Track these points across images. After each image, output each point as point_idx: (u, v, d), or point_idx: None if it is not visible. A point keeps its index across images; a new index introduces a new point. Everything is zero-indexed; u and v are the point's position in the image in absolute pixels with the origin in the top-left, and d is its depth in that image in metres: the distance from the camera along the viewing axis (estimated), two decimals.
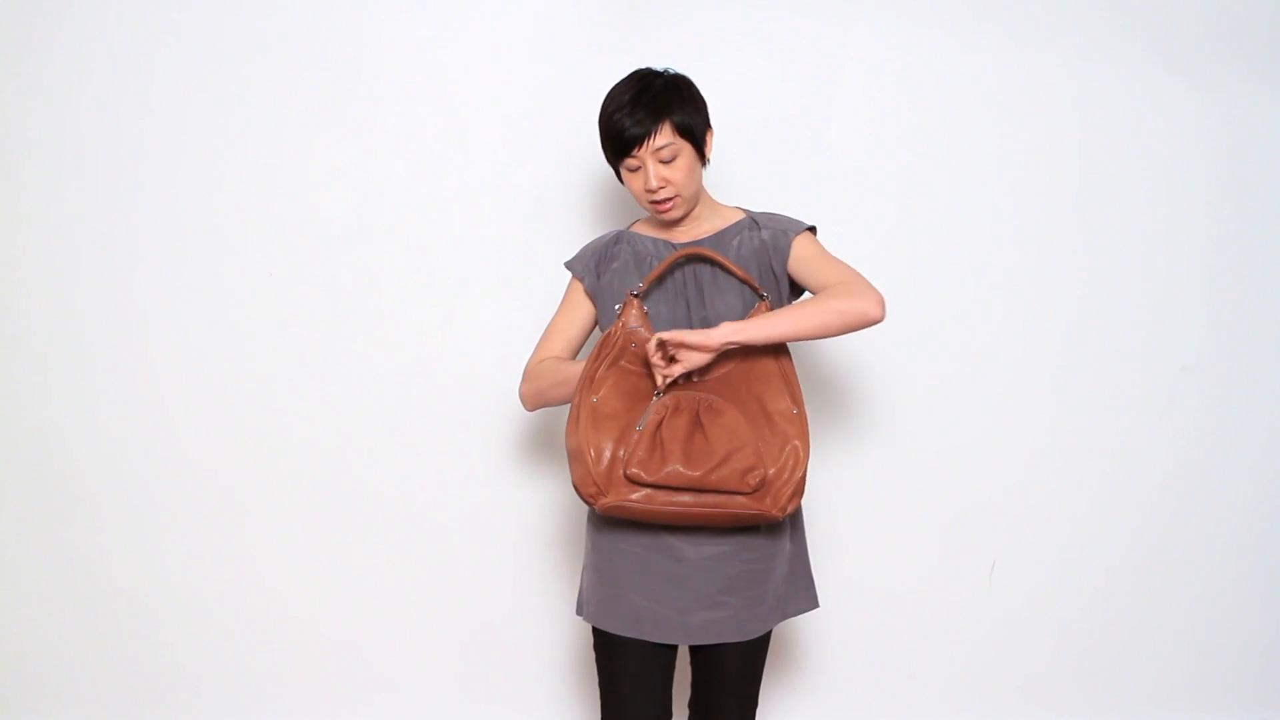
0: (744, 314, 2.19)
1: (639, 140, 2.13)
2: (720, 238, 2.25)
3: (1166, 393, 2.98)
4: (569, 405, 2.14)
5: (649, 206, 2.21)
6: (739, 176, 2.74)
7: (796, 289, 2.28)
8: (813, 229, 2.28)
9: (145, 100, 2.85)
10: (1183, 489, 3.00)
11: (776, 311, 2.15)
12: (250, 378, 2.90)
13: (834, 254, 2.25)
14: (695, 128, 2.17)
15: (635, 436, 2.06)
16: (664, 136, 2.13)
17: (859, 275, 2.18)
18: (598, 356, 2.13)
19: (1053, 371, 2.96)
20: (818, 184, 2.87)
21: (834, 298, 2.14)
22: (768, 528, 2.19)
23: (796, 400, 2.12)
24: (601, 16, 2.85)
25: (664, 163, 2.15)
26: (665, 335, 2.07)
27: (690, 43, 2.80)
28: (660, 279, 2.23)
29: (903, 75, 2.89)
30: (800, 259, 2.22)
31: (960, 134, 2.91)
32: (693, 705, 2.31)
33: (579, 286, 2.30)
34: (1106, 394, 2.97)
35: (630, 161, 2.16)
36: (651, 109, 2.13)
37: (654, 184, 2.15)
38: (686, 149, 2.16)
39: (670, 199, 2.18)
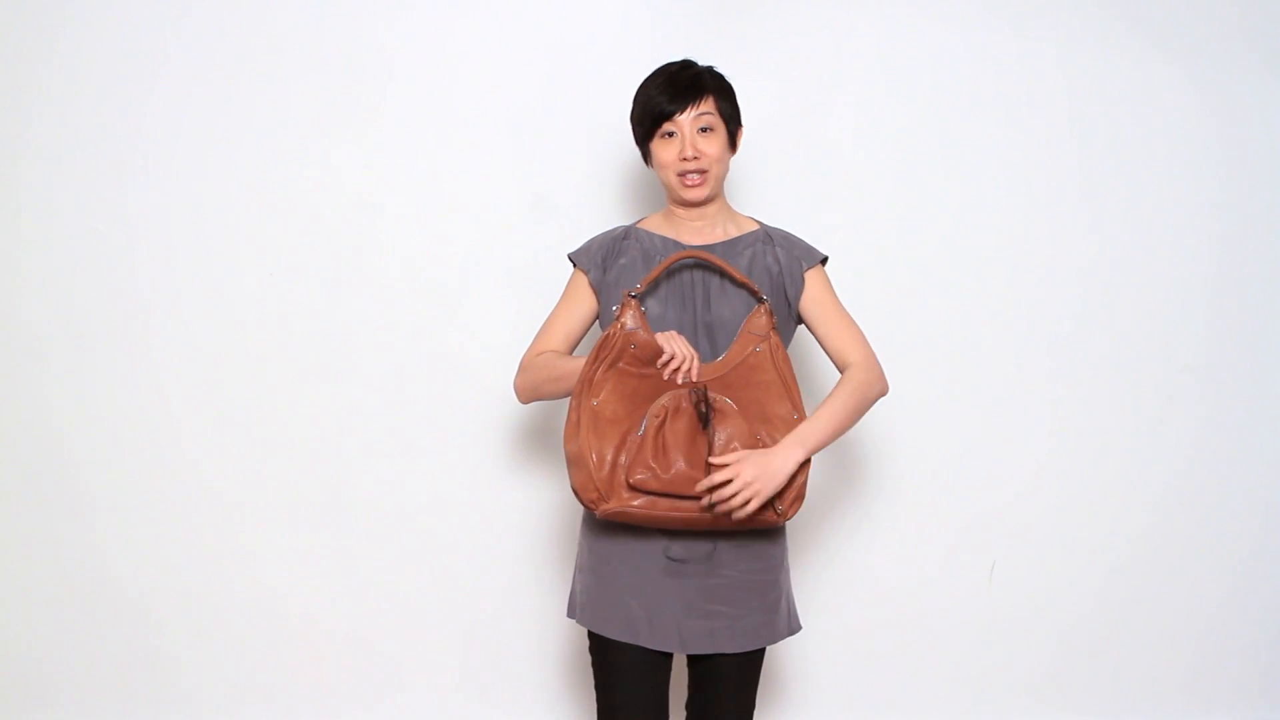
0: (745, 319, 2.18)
1: (681, 107, 2.17)
2: (732, 245, 2.25)
3: (1166, 393, 2.97)
4: (567, 409, 2.12)
5: (676, 180, 2.21)
6: (740, 178, 2.74)
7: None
8: (824, 259, 2.30)
9: (145, 99, 2.85)
10: (1183, 489, 3.00)
11: (824, 415, 2.14)
12: (248, 376, 2.89)
13: (835, 290, 2.30)
14: (732, 114, 2.23)
15: (636, 441, 2.05)
16: (706, 106, 2.19)
17: (869, 348, 2.25)
18: (596, 359, 2.10)
19: (1053, 371, 2.96)
20: (817, 185, 2.88)
21: (866, 388, 2.22)
22: (768, 537, 2.19)
23: (797, 405, 2.12)
24: (605, 15, 2.85)
25: (701, 132, 2.18)
26: (736, 470, 2.03)
27: (693, 43, 2.78)
28: (661, 280, 2.22)
29: (901, 71, 2.89)
30: (812, 299, 2.26)
31: (958, 133, 2.91)
32: (690, 707, 2.30)
33: (583, 279, 2.28)
34: (1107, 394, 2.97)
35: (668, 126, 2.19)
36: (695, 84, 2.20)
37: (689, 151, 2.17)
38: (722, 129, 2.21)
39: (701, 173, 2.19)
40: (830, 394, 2.19)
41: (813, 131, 2.88)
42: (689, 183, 2.20)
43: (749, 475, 2.03)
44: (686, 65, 2.25)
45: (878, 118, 2.90)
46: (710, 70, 2.25)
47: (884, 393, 2.27)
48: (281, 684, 2.96)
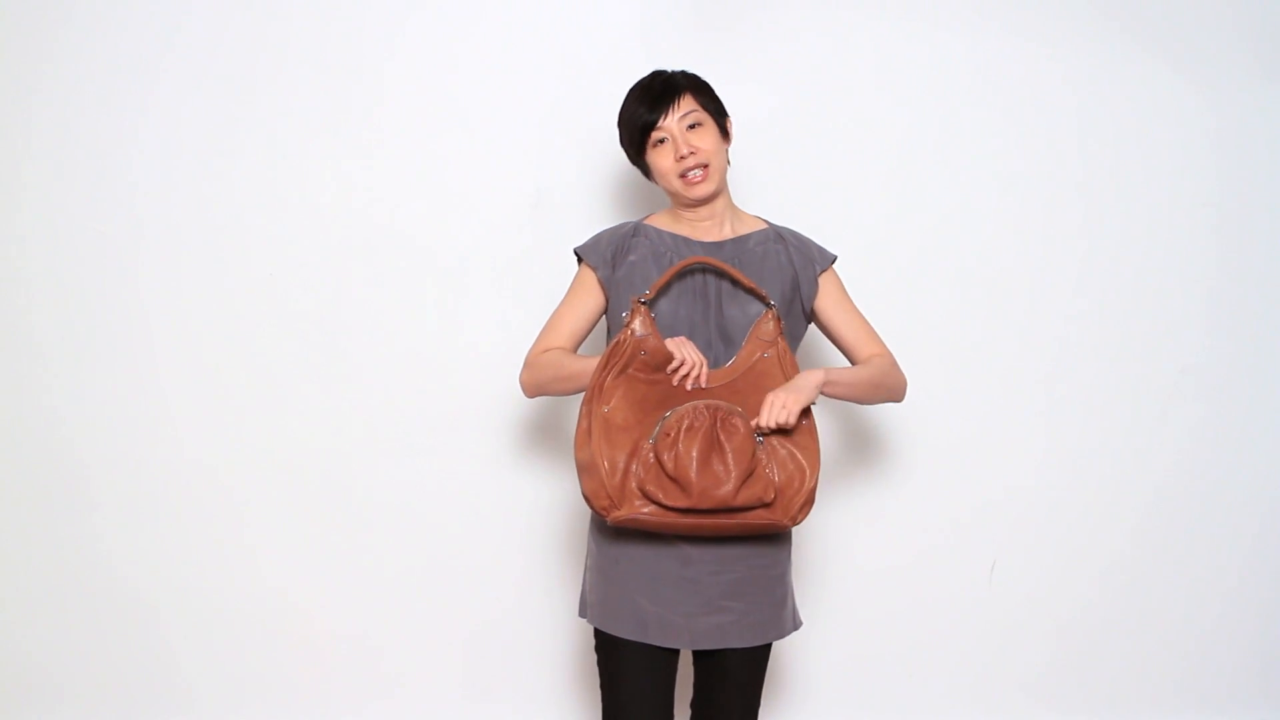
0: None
1: (664, 111, 2.18)
2: (741, 242, 2.26)
3: (1166, 394, 2.99)
4: (577, 415, 2.12)
5: (678, 183, 2.21)
6: (739, 179, 2.74)
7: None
8: (834, 259, 2.32)
9: (147, 99, 2.84)
10: (1182, 489, 3.01)
11: (849, 369, 2.23)
12: (251, 375, 2.89)
13: (848, 291, 2.34)
14: (715, 107, 2.24)
15: (649, 449, 2.05)
16: (687, 104, 2.20)
17: (887, 347, 2.31)
18: (606, 366, 2.10)
19: (1053, 372, 2.97)
20: (815, 186, 2.88)
21: (890, 376, 2.28)
22: (774, 535, 2.19)
23: (805, 411, 2.12)
24: (604, 15, 2.85)
25: (690, 129, 2.19)
26: (769, 419, 2.07)
27: (691, 43, 2.79)
28: (672, 281, 2.22)
29: (899, 74, 2.89)
30: (830, 301, 2.30)
31: (959, 135, 2.91)
32: (694, 706, 2.31)
33: (591, 275, 2.27)
34: (1106, 394, 2.98)
35: (656, 134, 2.20)
36: (669, 86, 2.21)
37: (684, 149, 2.18)
38: (709, 121, 2.22)
39: (700, 168, 2.19)
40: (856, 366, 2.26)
41: (812, 133, 2.88)
42: (692, 179, 2.21)
43: (779, 395, 2.08)
44: (657, 74, 2.26)
45: (876, 120, 2.90)
46: (683, 72, 2.26)
47: (901, 394, 2.32)
48: (286, 683, 2.95)
